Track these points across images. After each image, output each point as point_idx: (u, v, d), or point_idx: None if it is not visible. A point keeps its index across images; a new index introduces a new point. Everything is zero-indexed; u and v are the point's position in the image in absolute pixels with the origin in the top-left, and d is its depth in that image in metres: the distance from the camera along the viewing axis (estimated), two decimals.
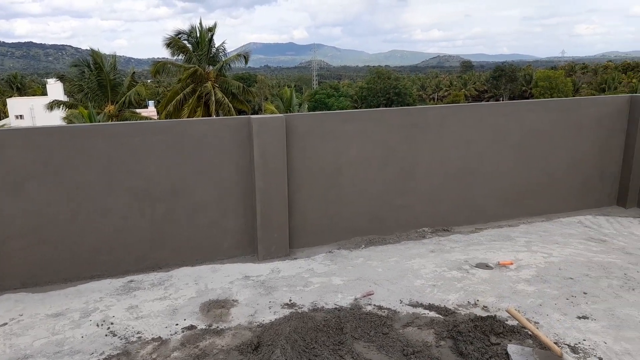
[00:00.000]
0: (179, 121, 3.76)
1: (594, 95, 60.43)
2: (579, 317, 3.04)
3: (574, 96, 63.70)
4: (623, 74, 78.70)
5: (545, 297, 3.31)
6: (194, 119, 3.58)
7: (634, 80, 68.25)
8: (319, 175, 4.15)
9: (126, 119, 22.33)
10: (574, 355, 2.66)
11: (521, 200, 4.96)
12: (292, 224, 4.13)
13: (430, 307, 3.17)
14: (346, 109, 34.86)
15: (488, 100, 73.36)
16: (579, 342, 2.77)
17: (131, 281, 3.64)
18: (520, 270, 3.75)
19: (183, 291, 3.43)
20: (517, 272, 3.71)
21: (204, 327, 2.95)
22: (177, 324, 2.99)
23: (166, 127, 3.72)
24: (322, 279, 3.62)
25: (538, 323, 2.97)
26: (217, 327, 2.94)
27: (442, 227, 4.68)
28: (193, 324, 2.98)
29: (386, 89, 54.24)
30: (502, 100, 72.68)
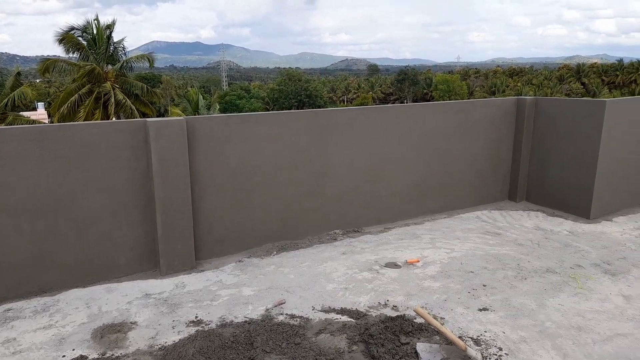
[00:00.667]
0: (60, 126, 3.35)
1: (486, 97, 66.03)
2: (480, 310, 3.18)
3: (469, 98, 69.12)
4: (510, 78, 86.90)
5: (449, 292, 3.44)
6: (78, 122, 3.22)
7: (518, 84, 75.69)
8: (226, 180, 3.95)
9: (10, 124, 20.03)
10: (476, 347, 2.76)
11: (425, 199, 5.15)
12: (197, 234, 3.89)
13: (342, 311, 3.14)
14: (258, 111, 34.44)
15: (394, 103, 77.02)
16: (481, 334, 2.90)
17: (8, 310, 3.17)
18: (427, 267, 3.87)
19: (72, 317, 3.06)
20: (424, 269, 3.82)
21: (96, 356, 2.64)
22: (63, 356, 2.64)
23: (46, 132, 3.30)
24: (232, 291, 3.44)
25: (444, 318, 3.06)
26: (112, 354, 2.65)
27: (353, 228, 4.71)
28: (83, 354, 2.65)
29: (297, 91, 54.60)
30: (407, 103, 76.97)
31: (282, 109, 48.31)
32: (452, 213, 5.31)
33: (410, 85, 72.06)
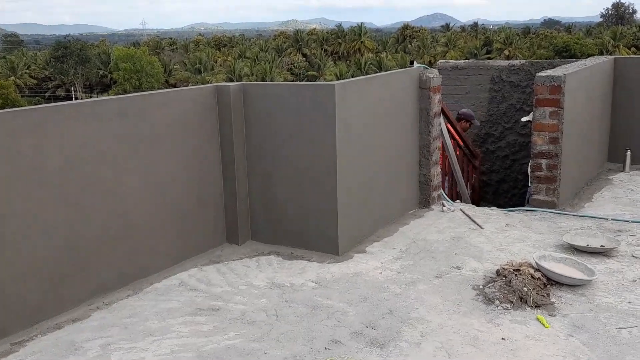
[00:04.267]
0: None
1: (191, 78, 68.52)
2: None
3: (166, 80, 70.53)
4: (218, 51, 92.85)
5: None
6: None
7: (229, 59, 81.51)
8: None
9: None
10: None
11: (87, 270, 4.32)
12: None
13: None
14: None
15: (54, 92, 72.28)
16: None
17: None
18: None
19: None
20: None
21: None
22: None
23: None
24: None
25: None
26: None
27: None
28: None
29: None
30: (76, 90, 73.50)
31: None
32: (141, 284, 4.63)
33: (77, 64, 68.83)
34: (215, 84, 5.26)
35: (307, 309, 4.15)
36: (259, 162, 5.33)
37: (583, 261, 4.58)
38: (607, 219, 5.74)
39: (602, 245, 4.94)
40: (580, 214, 5.93)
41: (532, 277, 4.27)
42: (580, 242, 5.01)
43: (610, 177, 7.38)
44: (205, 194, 5.23)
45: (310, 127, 5.02)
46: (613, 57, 8.12)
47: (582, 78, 6.60)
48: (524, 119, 8.03)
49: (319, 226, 5.15)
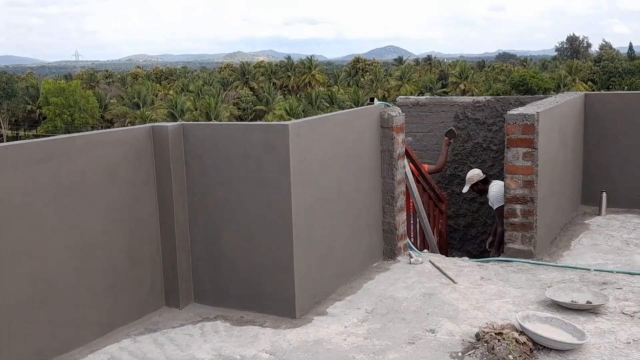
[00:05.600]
0: None
1: (127, 112, 67.64)
2: None
3: (102, 116, 69.55)
4: (158, 84, 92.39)
5: None
6: None
7: (171, 92, 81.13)
8: None
9: None
10: None
11: None
12: None
13: None
14: None
15: None
16: None
17: None
18: None
19: None
20: None
21: None
22: None
23: None
24: None
25: None
26: None
27: None
28: None
29: None
30: (0, 127, 71.66)
31: None
32: None
33: (2, 98, 67.26)
34: (150, 125, 4.97)
35: None
36: (203, 213, 4.99)
37: (571, 321, 4.35)
38: (589, 269, 5.58)
39: (588, 302, 4.73)
40: (560, 265, 5.76)
41: (516, 342, 4.02)
42: (565, 298, 4.80)
43: (587, 222, 7.28)
44: (139, 251, 4.86)
45: (262, 172, 4.73)
46: (583, 93, 8.16)
47: (555, 116, 6.53)
48: (464, 190, 8.00)
49: (272, 285, 4.83)
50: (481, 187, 7.75)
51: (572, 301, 4.75)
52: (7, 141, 5.24)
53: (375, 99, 6.28)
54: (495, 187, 7.23)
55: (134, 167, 4.79)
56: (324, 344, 4.34)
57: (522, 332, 4.12)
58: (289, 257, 4.72)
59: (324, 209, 5.11)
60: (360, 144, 5.63)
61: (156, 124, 5.02)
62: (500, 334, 4.09)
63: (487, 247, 8.15)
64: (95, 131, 4.97)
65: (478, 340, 4.16)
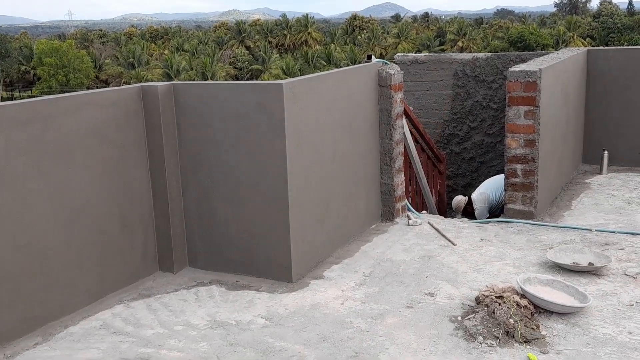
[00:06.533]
0: None
1: (123, 72, 66.84)
2: None
3: (96, 75, 68.68)
4: (153, 44, 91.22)
5: None
6: None
7: (166, 52, 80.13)
8: None
9: None
10: None
11: None
12: None
13: None
14: None
15: None
16: None
17: None
18: None
19: None
20: None
21: None
22: None
23: None
24: None
25: None
26: None
27: None
28: None
29: None
30: None
31: None
32: (52, 328, 4.13)
33: None
34: (139, 85, 4.81)
35: (257, 353, 3.71)
36: (196, 176, 4.87)
37: (572, 283, 4.27)
38: (591, 230, 5.48)
39: (590, 263, 4.64)
40: (561, 225, 5.65)
41: (517, 305, 3.93)
42: (566, 259, 4.71)
43: (587, 181, 7.16)
44: (131, 215, 4.75)
45: (256, 133, 4.59)
46: (586, 49, 7.94)
47: (557, 73, 6.34)
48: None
49: (268, 249, 4.74)
50: (470, 208, 7.54)
51: (574, 263, 4.66)
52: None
53: (373, 57, 6.09)
54: (480, 195, 7.29)
55: (123, 129, 4.65)
56: (321, 308, 4.26)
57: (523, 296, 4.03)
58: (284, 220, 4.62)
59: (320, 170, 4.99)
60: (358, 103, 5.47)
61: (145, 83, 4.86)
62: (500, 297, 3.99)
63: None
64: (81, 92, 4.81)
65: (478, 303, 4.07)
